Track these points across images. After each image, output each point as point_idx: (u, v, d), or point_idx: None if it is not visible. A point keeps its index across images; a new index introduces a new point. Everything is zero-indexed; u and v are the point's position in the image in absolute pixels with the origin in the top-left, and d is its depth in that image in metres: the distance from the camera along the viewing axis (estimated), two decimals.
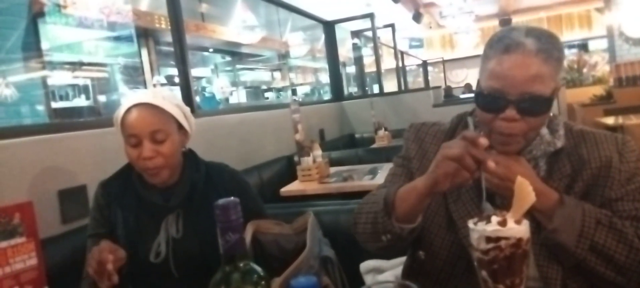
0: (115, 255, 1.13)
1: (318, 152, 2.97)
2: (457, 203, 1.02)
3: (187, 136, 1.39)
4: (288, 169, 3.23)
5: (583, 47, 11.29)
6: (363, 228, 1.04)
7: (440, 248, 1.04)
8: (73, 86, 5.21)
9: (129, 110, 1.27)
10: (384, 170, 2.81)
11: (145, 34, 5.83)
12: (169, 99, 1.32)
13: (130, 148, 1.27)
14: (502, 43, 0.92)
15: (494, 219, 0.70)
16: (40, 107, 4.50)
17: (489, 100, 0.93)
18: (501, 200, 0.98)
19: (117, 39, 4.86)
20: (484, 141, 0.83)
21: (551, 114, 1.01)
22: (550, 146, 0.99)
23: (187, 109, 1.39)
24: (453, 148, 0.85)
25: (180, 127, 1.34)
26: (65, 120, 3.90)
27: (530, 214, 0.77)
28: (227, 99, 7.33)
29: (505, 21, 10.21)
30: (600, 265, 0.90)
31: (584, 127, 1.05)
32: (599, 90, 7.04)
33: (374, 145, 4.20)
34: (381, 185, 1.17)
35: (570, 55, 9.78)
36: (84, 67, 5.15)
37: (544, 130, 0.99)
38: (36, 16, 4.14)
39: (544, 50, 0.90)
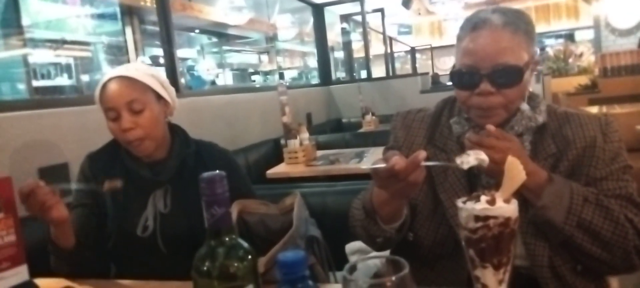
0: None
1: (305, 134, 2.95)
2: (444, 185, 1.04)
3: (169, 106, 1.37)
4: (275, 152, 3.21)
5: (569, 37, 11.38)
6: (359, 234, 1.07)
7: (428, 230, 1.05)
8: (55, 65, 5.10)
9: (105, 85, 1.27)
10: (370, 154, 2.81)
11: (129, 12, 5.71)
12: (144, 69, 1.33)
13: (111, 123, 1.27)
14: (471, 22, 0.98)
15: (483, 198, 0.70)
16: (21, 86, 4.40)
17: (464, 77, 0.97)
18: (487, 179, 1.00)
19: (101, 16, 4.75)
20: (398, 165, 0.81)
21: (530, 90, 1.04)
22: (532, 121, 1.00)
23: (165, 79, 1.37)
24: (384, 187, 0.87)
25: (159, 97, 1.33)
26: (47, 97, 3.81)
27: (518, 192, 0.78)
28: (213, 82, 7.25)
29: None
30: (586, 241, 0.92)
31: (568, 109, 1.07)
32: (584, 79, 7.10)
33: (361, 130, 4.20)
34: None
35: (556, 44, 9.85)
36: (67, 46, 5.04)
37: (525, 106, 1.01)
38: None
39: (511, 23, 0.94)
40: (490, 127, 0.92)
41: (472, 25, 0.96)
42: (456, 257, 0.98)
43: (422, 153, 0.82)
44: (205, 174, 0.57)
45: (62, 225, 1.14)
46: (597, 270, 0.98)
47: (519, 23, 0.95)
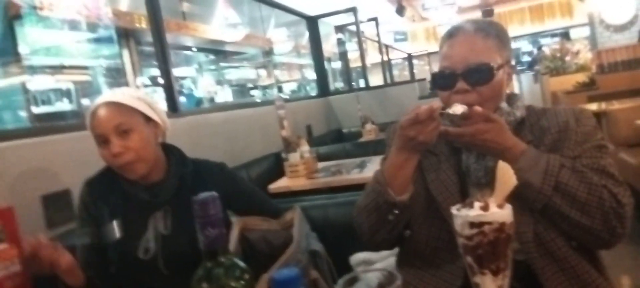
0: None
1: (305, 147, 2.95)
2: (436, 182, 1.10)
3: (159, 127, 1.37)
4: (276, 166, 3.21)
5: (565, 35, 11.41)
6: (368, 221, 1.09)
7: (422, 224, 1.11)
8: (55, 90, 5.12)
9: (92, 113, 1.28)
10: (372, 163, 2.81)
11: (126, 35, 5.75)
12: (129, 93, 1.33)
13: (101, 150, 1.27)
14: (448, 32, 1.13)
15: (476, 204, 0.70)
16: (22, 113, 4.42)
17: (442, 78, 1.08)
18: (476, 174, 1.07)
19: (98, 40, 4.79)
20: (435, 104, 0.95)
21: (509, 91, 1.13)
22: (511, 116, 1.09)
23: (152, 101, 1.37)
24: (418, 134, 0.98)
25: (148, 120, 1.33)
26: (45, 124, 3.83)
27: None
28: (212, 99, 7.27)
29: (487, 12, 10.27)
30: (565, 204, 0.96)
31: (546, 106, 1.16)
32: (581, 77, 7.11)
33: (362, 139, 4.20)
34: None
35: (552, 44, 9.87)
36: (65, 71, 5.07)
37: (504, 104, 1.10)
38: (12, 19, 4.06)
39: (482, 30, 1.08)
40: (477, 108, 0.97)
41: (448, 34, 1.11)
42: (453, 249, 1.00)
43: (437, 103, 0.96)
44: (198, 196, 0.58)
45: (72, 270, 1.11)
46: (583, 241, 1.00)
47: (490, 30, 1.09)
